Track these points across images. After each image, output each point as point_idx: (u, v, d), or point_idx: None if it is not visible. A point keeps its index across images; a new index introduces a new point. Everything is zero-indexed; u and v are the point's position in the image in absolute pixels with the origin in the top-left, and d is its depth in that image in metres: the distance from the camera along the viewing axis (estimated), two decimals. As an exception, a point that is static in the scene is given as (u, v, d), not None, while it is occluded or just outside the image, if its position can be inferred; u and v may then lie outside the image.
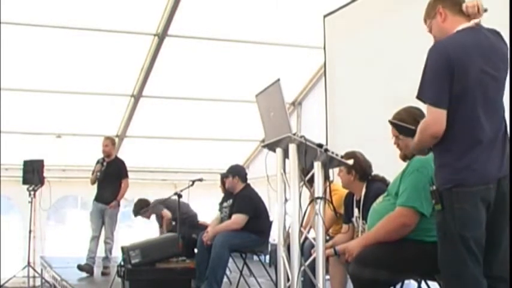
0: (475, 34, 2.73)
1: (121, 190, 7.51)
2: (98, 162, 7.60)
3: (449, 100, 2.64)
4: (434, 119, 2.66)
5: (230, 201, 6.00)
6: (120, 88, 8.62)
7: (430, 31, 2.92)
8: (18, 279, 8.11)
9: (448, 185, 2.65)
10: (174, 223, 7.41)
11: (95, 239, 7.48)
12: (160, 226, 7.89)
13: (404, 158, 3.45)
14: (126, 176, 7.59)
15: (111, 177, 7.49)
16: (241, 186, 5.98)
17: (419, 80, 2.71)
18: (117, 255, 7.14)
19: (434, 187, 2.71)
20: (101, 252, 7.53)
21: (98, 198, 7.59)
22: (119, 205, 7.57)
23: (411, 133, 2.86)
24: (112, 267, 7.06)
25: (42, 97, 8.53)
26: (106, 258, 7.48)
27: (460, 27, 2.76)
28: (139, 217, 8.02)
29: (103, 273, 7.37)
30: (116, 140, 9.53)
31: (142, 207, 7.82)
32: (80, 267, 7.31)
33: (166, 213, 7.59)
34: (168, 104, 9.04)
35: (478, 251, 2.63)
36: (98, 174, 7.52)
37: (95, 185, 7.66)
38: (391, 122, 3.42)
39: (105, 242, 7.48)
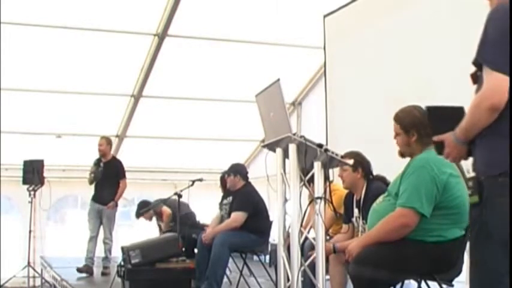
0: None
1: (119, 190, 7.48)
2: (94, 163, 7.54)
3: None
4: (496, 85, 2.13)
5: (230, 199, 6.00)
6: (120, 88, 8.62)
7: None
8: (18, 279, 8.11)
9: (494, 172, 2.18)
10: (172, 224, 7.42)
11: (93, 239, 7.45)
12: (160, 227, 7.88)
13: (401, 154, 3.47)
14: (124, 176, 7.55)
15: (109, 177, 7.44)
16: (241, 184, 5.99)
17: (479, 42, 2.22)
18: (117, 255, 7.13)
19: (472, 174, 2.28)
20: (100, 252, 7.52)
21: (95, 199, 7.54)
22: (116, 205, 7.55)
23: (456, 115, 2.31)
24: (112, 267, 7.05)
25: (42, 97, 8.53)
26: (106, 259, 7.47)
27: None
28: (140, 218, 8.00)
29: (103, 273, 7.35)
30: (116, 140, 9.54)
31: (142, 208, 7.82)
32: (79, 270, 7.30)
33: (166, 209, 7.56)
34: (168, 104, 9.04)
35: None
36: (93, 175, 7.47)
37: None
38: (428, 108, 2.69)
39: (104, 243, 7.45)
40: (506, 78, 2.12)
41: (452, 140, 2.31)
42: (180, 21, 7.44)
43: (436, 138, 2.40)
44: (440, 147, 2.38)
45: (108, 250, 7.45)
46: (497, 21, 2.19)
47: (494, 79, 2.14)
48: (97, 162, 7.52)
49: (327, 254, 3.59)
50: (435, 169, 3.23)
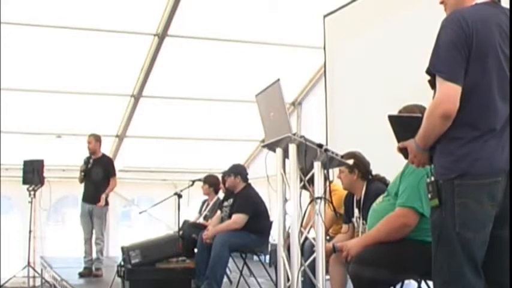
0: (494, 9, 2.39)
1: (108, 188, 7.36)
2: (84, 161, 7.45)
3: (464, 79, 2.27)
4: (447, 95, 2.25)
5: (231, 201, 6.01)
6: (120, 88, 8.62)
7: (442, 1, 2.52)
8: (18, 279, 8.10)
9: (450, 175, 2.28)
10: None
11: (88, 241, 7.38)
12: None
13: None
14: (114, 174, 7.44)
15: (97, 175, 7.32)
16: (242, 185, 5.99)
17: (431, 53, 2.34)
18: (117, 255, 7.12)
19: (432, 178, 2.35)
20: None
21: (85, 198, 7.45)
22: (107, 203, 7.42)
23: (415, 124, 2.39)
24: (109, 267, 7.02)
25: (42, 97, 8.53)
26: (97, 260, 7.38)
27: (479, 0, 2.43)
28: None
29: (95, 275, 7.27)
30: (116, 140, 9.54)
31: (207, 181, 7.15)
32: (81, 274, 7.27)
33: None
34: (168, 104, 9.04)
35: (479, 258, 2.27)
36: (83, 173, 7.37)
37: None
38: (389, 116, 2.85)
39: (96, 243, 7.36)
40: (458, 87, 2.25)
41: (414, 147, 2.42)
42: (180, 21, 7.43)
43: (400, 145, 2.52)
44: (405, 154, 2.48)
45: (99, 251, 7.37)
46: (448, 30, 2.31)
47: (446, 88, 2.26)
48: (87, 160, 7.42)
49: (327, 254, 3.58)
50: (435, 169, 3.23)
